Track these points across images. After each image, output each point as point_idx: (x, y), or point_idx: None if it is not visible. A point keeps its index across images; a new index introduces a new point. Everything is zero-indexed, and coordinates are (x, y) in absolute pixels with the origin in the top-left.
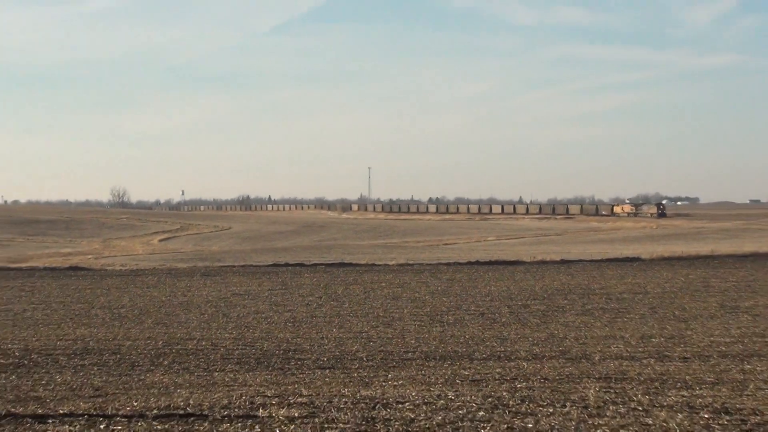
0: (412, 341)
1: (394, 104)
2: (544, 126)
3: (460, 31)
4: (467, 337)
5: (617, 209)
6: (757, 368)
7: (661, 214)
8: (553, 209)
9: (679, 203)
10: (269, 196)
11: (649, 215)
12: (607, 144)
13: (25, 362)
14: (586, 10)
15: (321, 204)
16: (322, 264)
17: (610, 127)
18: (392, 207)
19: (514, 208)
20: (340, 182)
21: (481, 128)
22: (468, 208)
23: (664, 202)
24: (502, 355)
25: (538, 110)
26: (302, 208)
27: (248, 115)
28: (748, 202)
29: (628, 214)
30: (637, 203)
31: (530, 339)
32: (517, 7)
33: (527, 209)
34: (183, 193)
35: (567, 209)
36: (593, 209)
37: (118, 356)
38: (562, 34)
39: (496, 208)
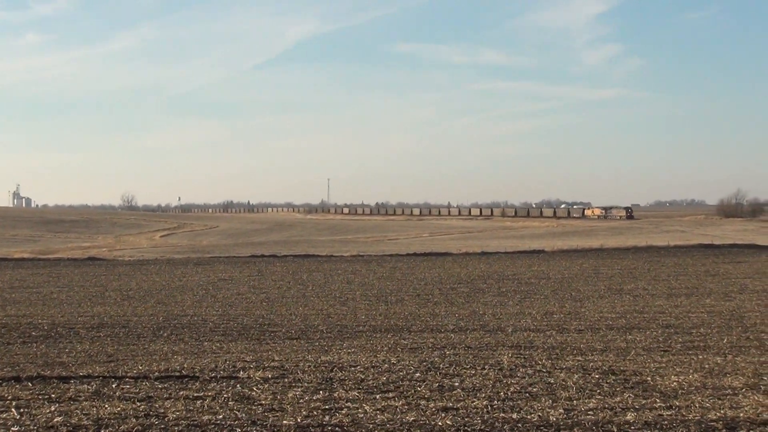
0: (363, 317)
1: (351, 128)
2: (470, 145)
3: (405, 69)
4: (406, 313)
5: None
6: (637, 338)
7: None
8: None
9: (574, 207)
10: (248, 201)
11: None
12: (519, 159)
13: (52, 334)
14: (504, 52)
15: (290, 207)
16: (290, 255)
17: (521, 146)
18: (347, 210)
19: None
20: (305, 190)
21: (421, 147)
22: (416, 211)
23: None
24: (434, 328)
25: (466, 133)
26: (275, 210)
27: (233, 135)
28: (629, 206)
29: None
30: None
31: (456, 315)
32: (449, 50)
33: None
34: (179, 199)
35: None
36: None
37: (127, 329)
38: (485, 72)
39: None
